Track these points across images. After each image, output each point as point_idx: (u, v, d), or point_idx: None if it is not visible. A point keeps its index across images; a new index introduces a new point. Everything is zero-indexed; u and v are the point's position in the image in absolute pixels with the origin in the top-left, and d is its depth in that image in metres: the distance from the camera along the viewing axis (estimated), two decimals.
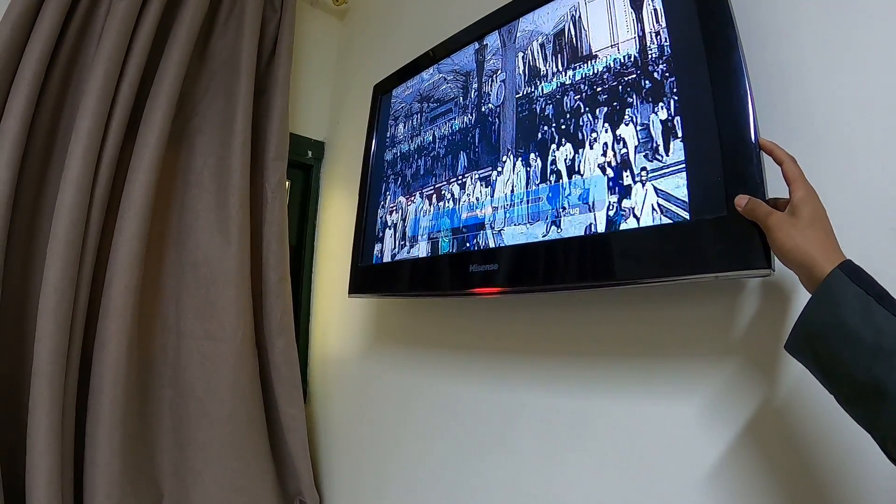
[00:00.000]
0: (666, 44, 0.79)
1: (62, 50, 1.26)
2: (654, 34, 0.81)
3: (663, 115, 0.77)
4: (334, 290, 1.68)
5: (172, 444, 1.35)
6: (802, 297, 0.66)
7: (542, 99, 0.95)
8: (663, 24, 0.80)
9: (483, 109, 1.07)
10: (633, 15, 0.84)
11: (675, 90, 0.76)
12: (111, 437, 1.18)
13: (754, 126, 0.67)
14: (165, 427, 1.36)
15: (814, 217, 0.59)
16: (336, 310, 1.66)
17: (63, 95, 1.29)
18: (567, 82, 0.91)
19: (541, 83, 0.96)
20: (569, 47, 0.93)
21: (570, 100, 0.89)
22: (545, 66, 0.96)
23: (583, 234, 0.83)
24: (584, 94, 0.88)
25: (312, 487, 1.48)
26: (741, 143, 0.67)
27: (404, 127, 1.29)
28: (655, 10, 0.82)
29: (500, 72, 1.05)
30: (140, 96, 1.35)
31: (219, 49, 1.55)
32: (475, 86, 1.11)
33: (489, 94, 1.06)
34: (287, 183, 1.63)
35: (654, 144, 0.77)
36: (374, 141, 1.40)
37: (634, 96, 0.81)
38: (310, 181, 1.85)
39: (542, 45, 0.98)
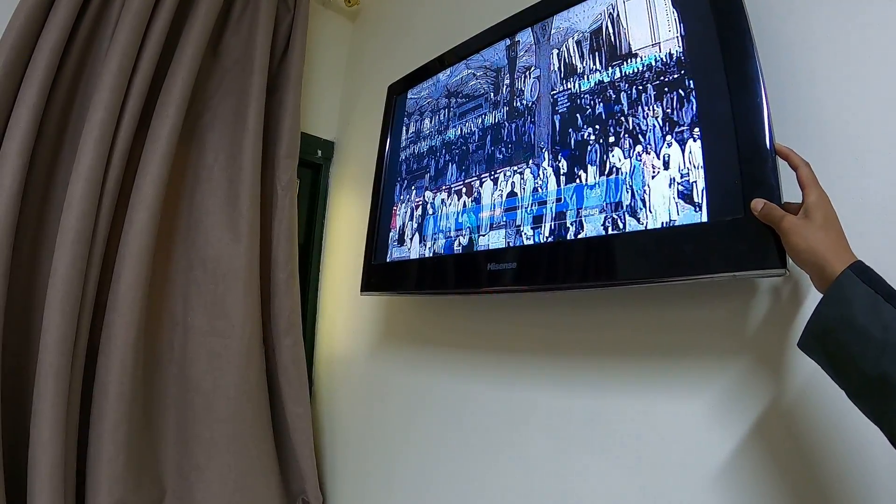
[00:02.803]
0: (683, 51, 0.80)
1: (75, 42, 1.24)
2: (680, 38, 0.81)
3: (687, 118, 0.77)
4: (342, 289, 1.66)
5: (176, 440, 1.32)
6: (812, 299, 0.69)
7: (579, 96, 0.92)
8: (682, 32, 0.81)
9: (516, 105, 1.04)
10: (676, 14, 0.83)
11: (694, 95, 0.77)
12: (116, 432, 1.15)
13: (770, 132, 0.68)
14: (170, 423, 1.33)
15: (826, 220, 0.61)
16: (343, 309, 1.63)
17: (75, 87, 1.26)
18: (606, 80, 0.89)
19: (578, 80, 0.93)
20: (607, 45, 0.90)
21: (609, 98, 0.87)
22: (582, 63, 0.94)
23: (606, 233, 0.83)
24: (623, 93, 0.86)
25: (316, 487, 1.44)
26: (758, 148, 0.69)
27: (430, 122, 1.25)
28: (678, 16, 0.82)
29: (533, 68, 1.03)
30: (153, 90, 1.33)
31: (232, 46, 1.53)
32: (507, 82, 1.08)
33: (522, 91, 1.04)
34: (296, 182, 1.60)
35: (683, 145, 0.77)
36: (388, 139, 1.38)
37: (675, 97, 0.80)
38: (319, 180, 1.83)
39: (578, 43, 0.95)
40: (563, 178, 0.91)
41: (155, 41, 1.30)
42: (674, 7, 0.83)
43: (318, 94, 1.83)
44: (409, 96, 1.35)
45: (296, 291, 1.51)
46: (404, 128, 1.34)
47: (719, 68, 0.74)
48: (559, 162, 0.92)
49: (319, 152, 1.81)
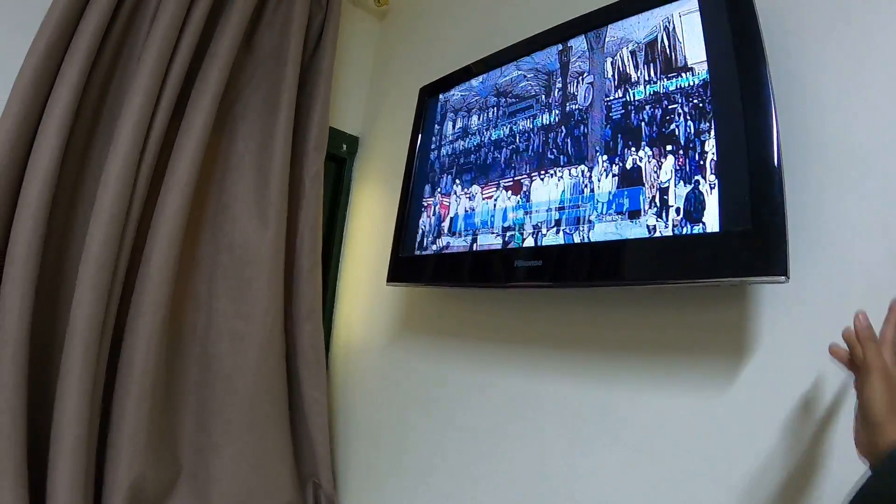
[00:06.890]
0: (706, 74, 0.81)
1: (115, 26, 1.21)
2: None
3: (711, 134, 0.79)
4: (362, 280, 1.63)
5: (196, 418, 1.30)
6: (810, 306, 0.73)
7: (632, 105, 0.90)
8: (704, 58, 0.82)
9: (568, 109, 1.02)
10: (702, 37, 0.83)
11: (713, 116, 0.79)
12: (139, 408, 1.13)
13: (778, 152, 0.70)
14: (190, 402, 1.30)
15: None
16: (363, 299, 1.60)
17: (113, 71, 1.24)
18: (660, 91, 0.87)
19: (632, 90, 0.91)
20: (662, 57, 0.88)
21: (664, 108, 0.86)
22: (636, 73, 0.91)
23: (631, 237, 0.84)
24: (679, 105, 0.84)
25: (329, 471, 1.42)
26: (767, 167, 0.71)
27: (479, 119, 1.22)
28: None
29: (586, 74, 1.00)
30: (189, 78, 1.31)
31: (266, 39, 1.50)
32: (559, 85, 1.05)
33: (575, 95, 1.01)
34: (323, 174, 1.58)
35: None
36: (420, 137, 1.35)
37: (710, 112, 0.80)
38: (343, 174, 1.80)
39: (633, 53, 0.93)
40: (611, 182, 0.90)
41: (193, 31, 1.28)
42: (702, 30, 0.83)
43: (345, 89, 1.80)
44: (451, 94, 1.32)
45: (318, 280, 1.49)
46: (450, 123, 1.30)
47: (736, 90, 0.76)
48: (610, 167, 0.91)
49: (344, 146, 1.78)
